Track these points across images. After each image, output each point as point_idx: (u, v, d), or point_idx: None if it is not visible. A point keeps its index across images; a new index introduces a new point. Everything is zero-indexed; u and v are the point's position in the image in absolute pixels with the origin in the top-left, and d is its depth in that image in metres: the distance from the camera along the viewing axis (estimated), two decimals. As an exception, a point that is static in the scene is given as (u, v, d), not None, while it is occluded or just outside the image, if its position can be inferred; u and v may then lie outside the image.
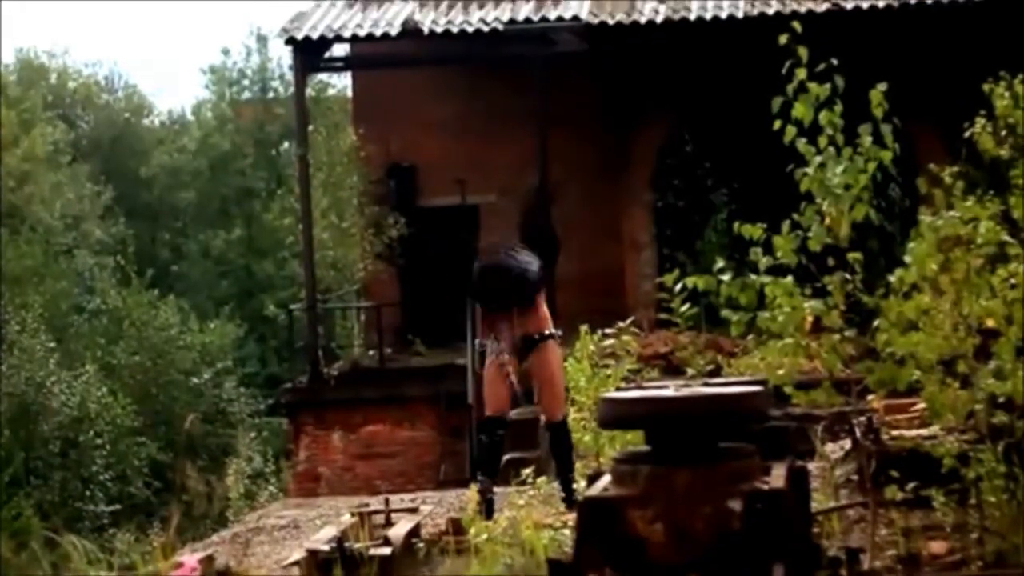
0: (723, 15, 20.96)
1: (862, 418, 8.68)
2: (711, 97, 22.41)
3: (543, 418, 11.46)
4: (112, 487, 30.63)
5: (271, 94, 48.38)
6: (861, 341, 7.68)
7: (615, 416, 5.50)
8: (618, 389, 6.55)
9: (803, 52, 7.66)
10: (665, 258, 22.12)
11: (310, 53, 22.35)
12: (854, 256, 7.61)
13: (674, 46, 21.54)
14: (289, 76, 38.47)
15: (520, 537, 8.72)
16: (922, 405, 8.23)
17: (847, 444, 9.42)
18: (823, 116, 7.68)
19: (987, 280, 7.49)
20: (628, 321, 11.89)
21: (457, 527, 9.70)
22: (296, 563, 9.26)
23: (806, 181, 7.70)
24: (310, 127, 23.15)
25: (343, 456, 21.03)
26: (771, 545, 4.90)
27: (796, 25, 7.75)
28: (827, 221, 7.65)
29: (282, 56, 46.40)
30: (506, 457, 13.43)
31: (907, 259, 7.56)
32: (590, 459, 10.83)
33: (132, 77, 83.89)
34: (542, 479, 10.44)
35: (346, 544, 9.04)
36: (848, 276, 7.60)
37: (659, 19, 21.11)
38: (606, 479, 5.31)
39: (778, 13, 20.21)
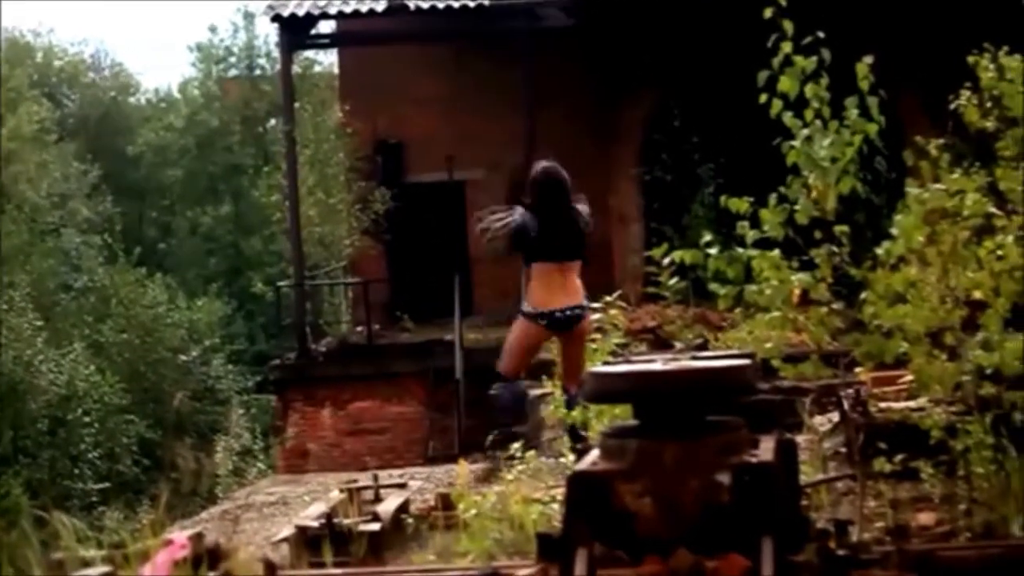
0: (709, -12, 20.92)
1: (850, 390, 8.68)
2: (698, 71, 22.38)
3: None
4: (101, 465, 30.63)
5: (258, 71, 48.29)
6: (848, 313, 7.67)
7: (603, 390, 5.49)
8: (606, 363, 6.54)
9: (789, 25, 7.65)
10: (652, 232, 22.11)
11: (296, 30, 22.32)
12: (841, 229, 7.59)
13: (661, 20, 21.51)
14: (276, 53, 38.34)
15: (509, 512, 8.72)
16: (910, 377, 8.22)
17: (835, 417, 9.42)
18: (809, 89, 7.65)
19: (974, 252, 7.48)
20: (616, 295, 11.87)
21: (446, 502, 9.70)
22: (285, 539, 9.24)
23: (793, 154, 7.68)
24: (296, 104, 23.15)
25: (332, 432, 21.03)
26: (759, 518, 4.89)
27: (781, -2, 7.73)
28: (814, 194, 7.62)
29: (268, 33, 46.40)
30: (494, 431, 13.47)
31: (894, 231, 7.54)
32: (578, 433, 10.82)
33: (118, 55, 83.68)
34: (531, 453, 10.44)
35: (335, 520, 9.04)
36: (835, 249, 7.57)
37: (645, -7, 21.07)
38: (595, 453, 5.30)
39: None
